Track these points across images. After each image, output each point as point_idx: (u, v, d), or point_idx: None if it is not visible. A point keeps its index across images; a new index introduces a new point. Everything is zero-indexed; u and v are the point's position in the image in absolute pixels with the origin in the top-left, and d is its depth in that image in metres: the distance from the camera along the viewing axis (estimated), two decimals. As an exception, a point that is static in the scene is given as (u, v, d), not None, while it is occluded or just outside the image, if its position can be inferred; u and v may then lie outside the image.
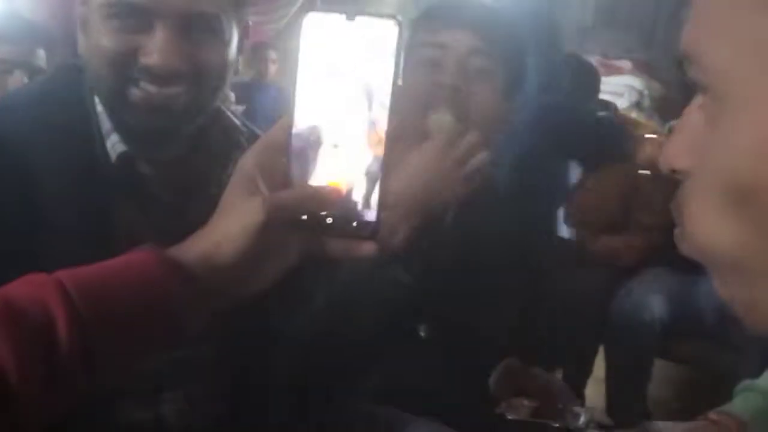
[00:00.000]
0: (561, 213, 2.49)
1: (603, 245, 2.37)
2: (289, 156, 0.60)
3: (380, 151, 0.60)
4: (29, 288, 0.57)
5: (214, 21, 0.84)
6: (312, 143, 0.60)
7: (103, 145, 0.86)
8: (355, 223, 0.60)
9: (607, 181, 2.38)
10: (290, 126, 0.60)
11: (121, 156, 0.86)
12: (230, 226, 0.61)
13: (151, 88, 0.82)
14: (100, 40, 0.82)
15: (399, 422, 1.16)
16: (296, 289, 0.69)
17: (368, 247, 0.61)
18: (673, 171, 0.43)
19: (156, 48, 0.81)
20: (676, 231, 0.44)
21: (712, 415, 0.96)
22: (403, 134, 1.06)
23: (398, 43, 0.57)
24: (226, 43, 0.86)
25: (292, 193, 0.60)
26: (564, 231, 2.49)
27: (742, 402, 0.98)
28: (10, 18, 2.12)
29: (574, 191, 2.45)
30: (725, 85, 0.38)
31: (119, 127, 0.86)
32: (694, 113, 0.42)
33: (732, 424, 0.94)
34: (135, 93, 0.83)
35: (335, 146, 0.60)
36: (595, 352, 2.31)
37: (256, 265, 0.61)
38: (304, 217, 0.60)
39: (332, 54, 0.58)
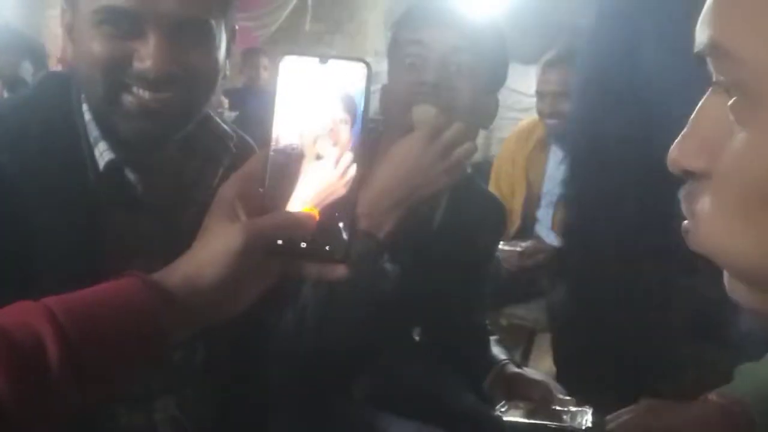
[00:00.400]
0: (548, 218, 2.47)
1: None
2: (267, 184, 0.64)
3: (350, 181, 0.64)
4: (19, 315, 0.58)
5: (205, 26, 0.84)
6: (294, 158, 0.63)
7: (92, 154, 0.86)
8: (328, 247, 0.64)
9: None
10: (267, 156, 0.64)
11: (110, 164, 0.85)
12: (211, 251, 0.63)
13: (145, 94, 0.83)
14: (90, 46, 0.82)
15: (395, 426, 1.16)
16: (283, 285, 0.69)
17: (340, 270, 0.65)
18: (685, 172, 0.42)
19: (149, 53, 0.81)
20: (684, 224, 0.43)
21: (713, 396, 0.96)
22: (386, 131, 1.07)
23: (367, 83, 0.63)
24: (216, 47, 0.87)
25: (268, 220, 0.63)
26: (552, 239, 2.46)
27: (743, 383, 0.98)
28: (-6, 28, 2.11)
29: (559, 199, 2.41)
30: (763, 83, 0.36)
31: (107, 134, 0.86)
32: (710, 109, 0.40)
33: (733, 405, 0.94)
34: (128, 99, 0.83)
35: (318, 158, 0.63)
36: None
37: (235, 288, 0.64)
38: (280, 241, 0.64)
39: (308, 90, 0.63)
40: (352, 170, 0.63)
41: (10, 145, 0.81)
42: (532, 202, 2.47)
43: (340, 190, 0.63)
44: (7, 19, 2.91)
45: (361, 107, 0.63)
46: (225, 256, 0.62)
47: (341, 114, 0.63)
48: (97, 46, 0.81)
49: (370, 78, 0.63)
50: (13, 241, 0.77)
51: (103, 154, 0.85)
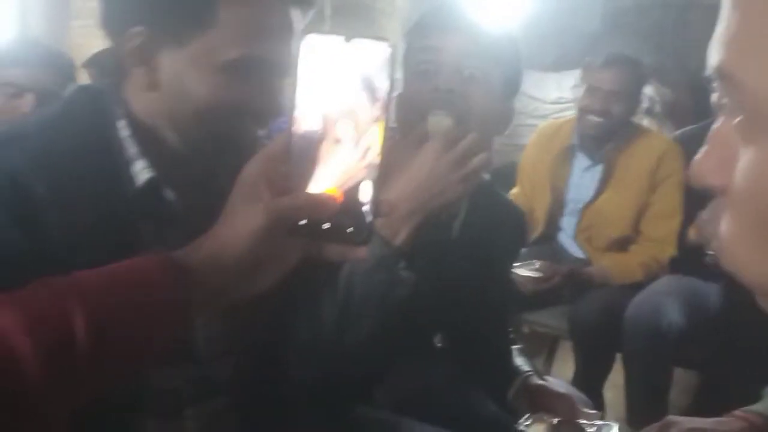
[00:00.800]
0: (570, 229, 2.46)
1: (610, 263, 2.34)
2: (290, 164, 0.64)
3: (376, 159, 0.64)
4: (48, 289, 0.60)
5: None
6: (315, 141, 0.64)
7: (128, 171, 0.85)
8: (349, 230, 0.65)
9: (617, 198, 2.35)
10: (291, 137, 0.64)
11: (149, 182, 0.85)
12: (233, 230, 0.64)
13: (255, 129, 0.87)
14: (209, 89, 0.82)
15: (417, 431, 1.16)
16: (303, 294, 0.70)
17: (361, 253, 0.66)
18: (706, 186, 0.43)
19: (275, 96, 0.86)
20: (714, 244, 0.44)
21: (738, 413, 0.96)
22: (402, 139, 1.08)
23: (391, 64, 0.63)
24: None
25: (291, 200, 0.64)
26: (575, 249, 2.45)
27: None
28: (22, 41, 2.14)
29: (584, 208, 2.41)
30: (764, 107, 0.37)
31: (148, 152, 0.86)
32: (725, 128, 0.41)
33: (760, 422, 0.94)
34: (241, 136, 0.86)
35: (337, 141, 0.63)
36: (608, 364, 2.29)
37: (257, 268, 0.65)
38: (303, 222, 0.64)
39: (330, 69, 0.63)
40: (373, 153, 0.63)
41: (40, 162, 0.80)
42: (555, 210, 2.46)
43: (361, 173, 0.64)
44: (32, 30, 2.95)
45: (382, 89, 0.63)
46: (247, 235, 0.63)
47: (361, 96, 0.63)
48: (219, 89, 0.83)
49: (393, 60, 0.63)
50: (44, 259, 0.76)
51: (141, 171, 0.85)
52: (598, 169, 2.39)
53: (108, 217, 0.82)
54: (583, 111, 2.36)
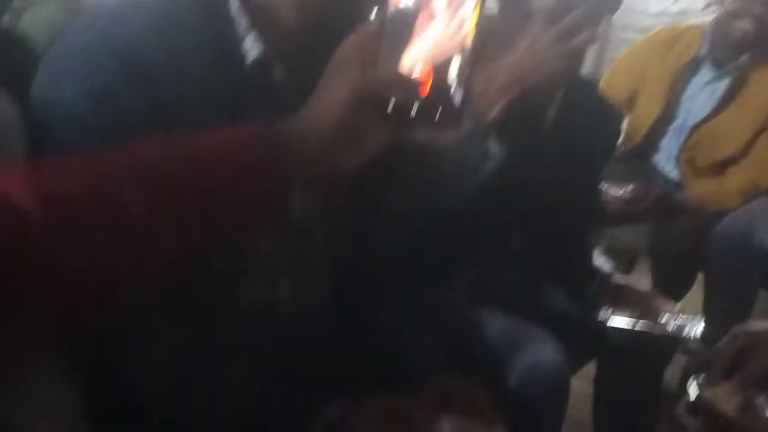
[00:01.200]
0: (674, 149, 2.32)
1: (706, 188, 2.23)
2: (384, 42, 0.65)
3: (469, 33, 0.63)
4: (155, 146, 0.66)
5: None
6: (410, 17, 0.63)
7: (239, 46, 0.84)
8: (438, 112, 0.64)
9: (739, 116, 2.20)
10: (386, 15, 0.64)
11: (259, 57, 0.85)
12: (324, 103, 0.67)
13: (370, 7, 0.88)
14: None
15: (493, 319, 1.17)
16: (395, 164, 0.71)
17: (449, 136, 0.66)
18: None
19: None
20: None
21: None
22: (505, 16, 1.05)
23: None
24: None
25: (379, 76, 0.65)
26: (669, 168, 2.32)
27: None
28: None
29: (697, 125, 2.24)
30: None
31: (260, 30, 0.85)
32: None
33: None
34: (356, 13, 0.83)
35: (432, 18, 0.63)
36: (688, 284, 2.23)
37: (347, 143, 0.67)
38: (392, 102, 0.64)
39: None
40: (467, 27, 0.63)
41: (156, 32, 0.80)
42: (660, 124, 2.30)
43: (454, 48, 0.63)
44: None
45: None
46: (336, 109, 0.65)
47: None
48: None
49: None
50: (155, 126, 0.77)
51: (252, 47, 0.84)
52: (721, 85, 2.22)
53: (218, 89, 0.82)
54: (729, 16, 2.16)
